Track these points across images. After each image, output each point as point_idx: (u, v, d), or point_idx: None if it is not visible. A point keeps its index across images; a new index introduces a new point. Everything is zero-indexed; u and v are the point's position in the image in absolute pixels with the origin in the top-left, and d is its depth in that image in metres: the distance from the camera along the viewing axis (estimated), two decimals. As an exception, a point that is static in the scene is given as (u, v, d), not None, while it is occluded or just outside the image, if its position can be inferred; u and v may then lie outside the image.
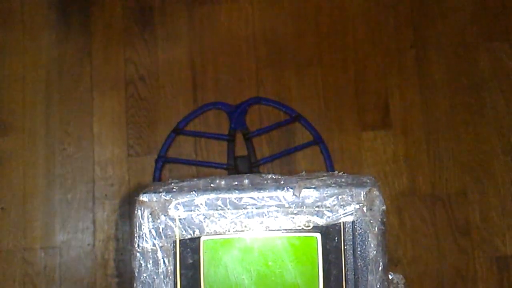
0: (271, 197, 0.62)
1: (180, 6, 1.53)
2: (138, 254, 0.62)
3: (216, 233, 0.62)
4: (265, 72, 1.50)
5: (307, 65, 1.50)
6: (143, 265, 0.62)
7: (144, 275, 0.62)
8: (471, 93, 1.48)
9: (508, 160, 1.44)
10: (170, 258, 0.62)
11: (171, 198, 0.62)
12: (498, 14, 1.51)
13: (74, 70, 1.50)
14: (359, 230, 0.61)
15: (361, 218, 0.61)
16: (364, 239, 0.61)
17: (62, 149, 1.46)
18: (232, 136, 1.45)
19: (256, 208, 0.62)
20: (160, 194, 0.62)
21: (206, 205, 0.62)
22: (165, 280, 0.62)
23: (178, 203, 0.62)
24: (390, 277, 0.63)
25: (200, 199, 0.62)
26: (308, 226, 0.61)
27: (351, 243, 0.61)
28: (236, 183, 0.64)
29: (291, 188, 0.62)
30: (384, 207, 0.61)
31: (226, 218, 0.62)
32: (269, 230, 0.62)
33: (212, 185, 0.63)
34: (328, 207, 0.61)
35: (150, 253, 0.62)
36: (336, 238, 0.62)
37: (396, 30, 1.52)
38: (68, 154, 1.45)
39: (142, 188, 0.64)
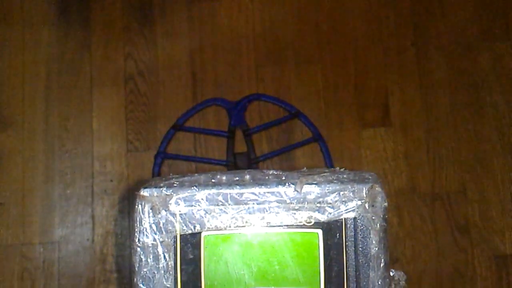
0: (272, 193, 0.62)
1: (180, 3, 1.53)
2: (138, 249, 0.61)
3: (217, 229, 0.62)
4: (265, 69, 1.49)
5: (307, 62, 1.50)
6: (143, 260, 0.61)
7: (145, 270, 0.61)
8: (471, 91, 1.48)
9: (508, 159, 1.44)
10: (171, 253, 0.62)
11: (172, 193, 0.62)
12: (498, 13, 1.51)
13: (74, 66, 1.50)
14: (360, 227, 0.61)
15: (363, 215, 0.60)
16: (365, 235, 0.61)
17: (62, 144, 1.45)
18: (232, 133, 1.44)
19: (257, 204, 0.62)
20: (161, 189, 0.62)
21: (207, 200, 0.62)
22: (165, 275, 0.61)
23: (179, 198, 0.62)
24: (391, 274, 0.63)
25: (201, 194, 0.62)
26: (310, 222, 0.61)
27: (353, 239, 0.61)
28: (237, 178, 0.63)
29: (293, 184, 0.62)
30: (386, 204, 0.61)
31: (227, 213, 0.62)
32: (270, 226, 0.62)
33: (213, 180, 0.63)
34: (330, 203, 0.61)
35: (151, 248, 0.61)
36: (338, 235, 0.61)
37: (396, 28, 1.52)
38: (68, 150, 1.45)
39: (141, 184, 0.64)
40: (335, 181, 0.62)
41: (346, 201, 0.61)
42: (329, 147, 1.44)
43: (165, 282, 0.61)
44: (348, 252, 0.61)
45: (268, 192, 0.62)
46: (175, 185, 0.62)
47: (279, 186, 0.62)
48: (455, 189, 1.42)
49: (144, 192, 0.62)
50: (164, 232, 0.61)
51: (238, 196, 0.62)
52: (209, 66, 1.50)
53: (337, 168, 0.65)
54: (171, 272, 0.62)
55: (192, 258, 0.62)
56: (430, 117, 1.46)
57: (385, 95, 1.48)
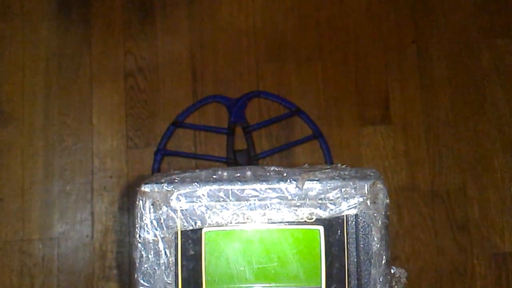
0: (273, 189, 0.62)
1: (180, -1, 1.53)
2: (139, 245, 0.61)
3: (218, 225, 0.61)
4: (265, 66, 1.49)
5: (308, 59, 1.50)
6: (144, 256, 0.61)
7: (145, 266, 0.61)
8: (472, 89, 1.48)
9: (508, 158, 1.44)
10: (172, 249, 0.62)
11: (173, 189, 0.62)
12: (499, 10, 1.51)
13: (74, 62, 1.49)
14: (362, 223, 0.61)
15: (365, 211, 0.60)
16: (367, 232, 0.61)
17: (61, 140, 1.45)
18: (232, 130, 1.44)
19: (259, 200, 0.61)
20: (162, 184, 0.62)
21: (208, 196, 0.62)
22: (166, 271, 0.61)
23: (180, 194, 0.62)
24: (392, 271, 0.63)
25: (202, 190, 0.62)
26: (311, 219, 0.61)
27: (354, 236, 0.61)
28: (238, 174, 0.63)
29: (294, 180, 0.62)
30: (387, 201, 0.61)
31: (228, 209, 0.61)
32: (272, 222, 0.62)
33: (214, 176, 0.63)
34: (331, 200, 0.61)
35: (152, 244, 0.61)
36: (339, 231, 0.61)
37: (397, 25, 1.51)
38: (67, 146, 1.45)
39: (141, 180, 0.64)
40: (336, 178, 0.62)
41: (348, 197, 0.61)
42: (329, 144, 1.44)
43: (165, 278, 0.61)
44: (350, 249, 0.61)
45: (269, 189, 0.62)
46: (176, 181, 0.62)
47: (281, 182, 0.62)
48: (455, 187, 1.42)
49: (145, 188, 0.61)
50: (165, 228, 0.61)
51: (240, 192, 0.62)
52: (209, 63, 1.50)
53: (339, 164, 0.65)
54: (172, 268, 0.62)
55: (193, 254, 0.62)
56: (430, 115, 1.46)
57: (385, 92, 1.48)
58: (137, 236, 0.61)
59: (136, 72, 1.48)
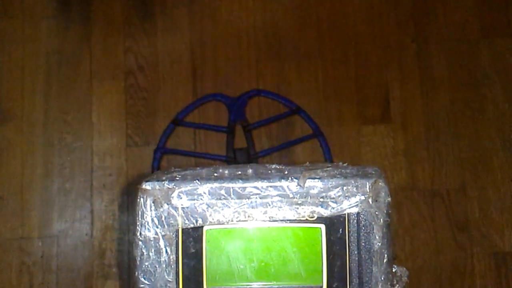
0: (275, 187, 0.61)
1: (181, -3, 1.53)
2: (140, 243, 0.61)
3: (219, 223, 0.61)
4: (265, 65, 1.49)
5: (308, 58, 1.49)
6: (145, 253, 0.61)
7: (146, 263, 0.61)
8: (472, 88, 1.47)
9: (508, 157, 1.44)
10: (173, 247, 0.61)
11: (174, 186, 0.61)
12: (499, 9, 1.51)
13: (74, 59, 1.49)
14: (364, 222, 0.61)
15: (366, 210, 0.60)
16: (369, 230, 0.60)
17: (61, 138, 1.45)
18: (232, 128, 1.44)
19: (260, 198, 0.61)
20: (163, 182, 0.62)
21: (209, 194, 0.62)
22: (167, 269, 0.61)
23: (181, 192, 0.61)
24: (393, 269, 0.62)
25: (203, 188, 0.62)
26: (313, 217, 0.61)
27: (356, 234, 0.61)
28: (239, 172, 0.63)
29: (296, 179, 0.61)
30: (389, 199, 0.61)
31: (229, 207, 0.61)
32: (273, 220, 0.62)
33: (215, 174, 0.63)
34: (333, 198, 0.61)
35: (152, 242, 0.61)
36: (341, 229, 0.61)
37: (397, 24, 1.51)
38: (67, 144, 1.45)
39: (140, 179, 0.64)
40: (338, 176, 0.61)
41: (349, 196, 0.61)
42: (329, 143, 1.44)
43: (166, 276, 0.61)
44: (351, 247, 0.61)
45: (270, 187, 0.61)
46: (177, 178, 0.62)
47: (282, 180, 0.62)
48: (455, 186, 1.42)
49: (146, 186, 0.61)
50: (166, 226, 0.61)
51: (241, 190, 0.61)
52: (209, 61, 1.49)
53: (340, 163, 0.65)
54: (172, 266, 0.61)
55: (194, 252, 0.62)
56: (430, 114, 1.46)
57: (385, 91, 1.47)
58: (138, 234, 0.61)
59: (136, 70, 1.48)
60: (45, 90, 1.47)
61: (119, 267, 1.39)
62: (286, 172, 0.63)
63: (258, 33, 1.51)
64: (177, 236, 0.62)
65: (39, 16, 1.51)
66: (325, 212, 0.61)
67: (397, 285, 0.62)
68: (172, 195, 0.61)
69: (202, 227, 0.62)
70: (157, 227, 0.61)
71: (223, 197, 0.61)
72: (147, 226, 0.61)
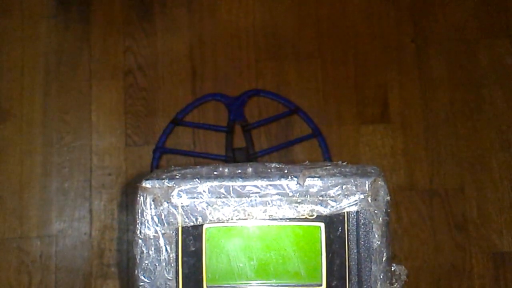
0: (274, 186, 0.62)
1: (180, -4, 1.53)
2: (140, 241, 0.61)
3: (218, 221, 0.61)
4: (265, 64, 1.49)
5: (307, 58, 1.50)
6: (145, 252, 0.61)
7: (146, 262, 0.61)
8: (471, 89, 1.48)
9: (506, 157, 1.44)
10: (172, 246, 0.62)
11: (174, 185, 0.62)
12: (499, 10, 1.51)
13: (73, 59, 1.49)
14: (363, 220, 0.61)
15: (366, 208, 0.60)
16: (368, 229, 0.61)
17: (60, 137, 1.45)
18: (231, 128, 1.44)
19: (260, 197, 0.61)
20: (163, 180, 0.62)
21: (209, 193, 0.62)
22: (166, 268, 0.61)
23: (181, 190, 0.62)
24: (392, 268, 0.63)
25: (203, 186, 0.62)
26: (312, 216, 0.61)
27: (355, 233, 0.61)
28: (239, 171, 0.63)
29: (295, 177, 0.62)
30: (388, 198, 0.61)
31: (229, 206, 0.61)
32: (272, 219, 0.62)
33: (215, 172, 0.63)
34: (332, 197, 0.61)
35: (152, 240, 0.61)
36: (340, 228, 0.61)
37: (396, 25, 1.52)
38: (66, 143, 1.45)
39: (139, 178, 0.64)
40: (337, 175, 0.62)
41: (349, 194, 0.61)
42: (328, 143, 1.44)
43: (166, 275, 0.61)
44: (350, 245, 0.61)
45: (270, 185, 0.62)
46: (177, 177, 0.62)
47: (282, 179, 0.62)
48: (453, 186, 1.42)
49: (146, 184, 0.61)
50: (166, 224, 0.61)
51: (240, 188, 0.62)
52: (209, 61, 1.50)
53: (340, 161, 0.65)
54: (172, 265, 0.62)
55: (194, 250, 0.62)
56: (429, 114, 1.46)
57: (384, 91, 1.48)
58: (138, 232, 0.61)
59: (136, 70, 1.48)
60: (44, 90, 1.47)
61: (118, 267, 1.39)
62: (285, 171, 0.63)
63: (257, 33, 1.51)
64: (177, 234, 0.62)
65: (38, 16, 1.51)
66: (325, 211, 0.61)
67: (396, 284, 0.62)
68: (172, 194, 0.61)
69: (201, 225, 0.62)
70: (157, 226, 0.61)
71: (222, 195, 0.62)
72: (147, 224, 0.61)
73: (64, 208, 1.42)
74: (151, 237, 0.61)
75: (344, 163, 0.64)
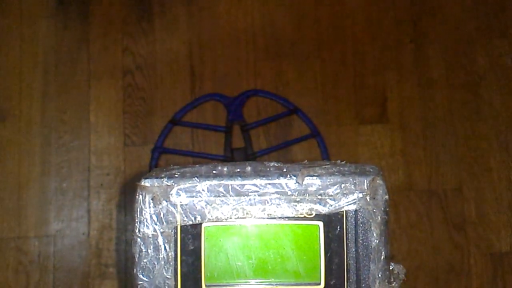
0: (273, 185, 0.61)
1: (179, -4, 1.53)
2: (138, 240, 0.61)
3: (217, 220, 0.61)
4: (263, 64, 1.49)
5: (306, 58, 1.50)
6: (143, 250, 0.61)
7: (145, 260, 0.61)
8: (469, 89, 1.48)
9: (504, 157, 1.44)
10: (171, 244, 0.61)
11: (173, 183, 0.61)
12: (497, 10, 1.52)
13: (72, 59, 1.49)
14: (361, 219, 0.61)
15: (364, 207, 0.60)
16: (366, 228, 0.61)
17: (58, 137, 1.45)
18: (229, 128, 1.44)
19: (258, 195, 0.61)
20: (162, 179, 0.62)
21: (208, 191, 0.62)
22: (165, 266, 0.61)
23: (180, 189, 0.61)
24: (391, 267, 0.63)
25: (202, 185, 0.62)
26: (311, 214, 0.61)
27: (354, 232, 0.61)
28: (238, 170, 0.63)
29: (294, 176, 0.61)
30: (387, 197, 0.61)
31: (228, 204, 0.61)
32: (271, 218, 0.62)
33: (214, 171, 0.63)
34: (331, 196, 0.61)
35: (151, 239, 0.61)
36: (339, 227, 0.61)
37: (395, 25, 1.52)
38: (64, 143, 1.45)
39: (138, 178, 0.64)
40: (336, 174, 0.62)
41: (348, 193, 0.61)
42: (326, 143, 1.44)
43: (165, 273, 0.61)
44: (349, 244, 0.61)
45: (269, 184, 0.61)
46: (176, 175, 0.62)
47: (281, 177, 0.62)
48: (452, 186, 1.43)
49: (145, 183, 0.61)
50: (164, 223, 0.61)
51: (239, 187, 0.61)
52: (208, 61, 1.50)
53: (338, 160, 0.65)
54: (171, 263, 0.61)
55: (193, 249, 0.62)
56: (428, 114, 1.47)
57: (383, 91, 1.48)
58: (137, 230, 0.61)
59: (134, 70, 1.48)
60: (43, 89, 1.47)
61: (116, 267, 1.39)
62: (284, 170, 0.63)
63: (256, 33, 1.51)
64: (175, 233, 0.62)
65: (37, 16, 1.51)
66: (323, 210, 0.61)
67: (394, 283, 0.62)
68: (171, 192, 0.61)
69: (200, 224, 0.62)
70: (156, 224, 0.61)
71: (221, 194, 0.61)
72: (145, 223, 0.61)
73: (62, 208, 1.41)
74: (150, 235, 0.61)
75: (343, 162, 0.64)
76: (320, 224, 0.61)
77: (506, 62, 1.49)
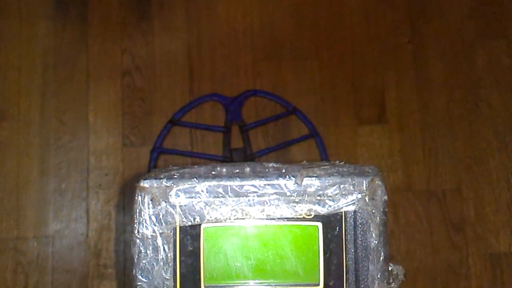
0: (272, 185, 0.62)
1: (178, -3, 1.53)
2: (137, 241, 0.61)
3: (216, 221, 0.61)
4: (262, 65, 1.49)
5: (304, 59, 1.50)
6: (142, 251, 0.61)
7: (144, 261, 0.61)
8: (467, 89, 1.48)
9: (503, 158, 1.44)
10: (170, 245, 0.62)
11: (172, 184, 0.62)
12: (495, 11, 1.52)
13: (71, 59, 1.49)
14: (360, 220, 0.61)
15: (363, 208, 0.61)
16: (365, 228, 0.61)
17: (57, 138, 1.45)
18: (228, 128, 1.44)
19: (257, 196, 0.61)
20: (161, 180, 0.62)
21: (207, 192, 0.62)
22: (164, 267, 0.61)
23: (179, 190, 0.62)
24: (390, 268, 0.63)
25: (201, 186, 0.62)
26: (310, 215, 0.61)
27: (353, 232, 0.61)
28: (237, 170, 0.63)
29: (293, 177, 0.62)
30: (386, 197, 0.61)
31: (227, 205, 0.61)
32: (270, 219, 0.62)
33: (213, 172, 0.63)
34: (330, 196, 0.61)
35: (150, 240, 0.61)
36: (338, 228, 0.61)
37: (393, 25, 1.52)
38: (63, 143, 1.44)
39: (137, 178, 0.64)
40: (335, 174, 0.62)
41: (346, 194, 0.61)
42: (325, 143, 1.44)
43: (164, 274, 0.61)
44: (348, 245, 0.61)
45: (268, 185, 0.62)
46: (175, 176, 0.62)
47: (280, 178, 0.62)
48: (451, 186, 1.43)
49: (144, 183, 0.61)
50: (163, 224, 0.61)
51: (238, 188, 0.62)
52: (206, 61, 1.50)
53: (337, 161, 0.65)
54: (170, 264, 0.62)
55: (192, 250, 0.62)
56: (426, 114, 1.47)
57: (381, 92, 1.48)
58: (136, 231, 0.61)
59: (133, 70, 1.48)
60: (41, 90, 1.47)
61: (115, 268, 1.39)
62: (283, 171, 0.63)
63: (255, 33, 1.51)
64: (174, 234, 0.62)
65: (36, 16, 1.51)
66: (322, 210, 0.61)
67: (393, 283, 0.62)
68: (170, 193, 0.61)
69: (199, 225, 0.62)
70: (155, 225, 0.61)
71: (220, 195, 0.62)
72: (145, 224, 0.61)
73: (61, 208, 1.41)
74: (149, 236, 0.61)
75: (342, 163, 0.64)
76: (319, 224, 0.62)
77: (505, 62, 1.49)
